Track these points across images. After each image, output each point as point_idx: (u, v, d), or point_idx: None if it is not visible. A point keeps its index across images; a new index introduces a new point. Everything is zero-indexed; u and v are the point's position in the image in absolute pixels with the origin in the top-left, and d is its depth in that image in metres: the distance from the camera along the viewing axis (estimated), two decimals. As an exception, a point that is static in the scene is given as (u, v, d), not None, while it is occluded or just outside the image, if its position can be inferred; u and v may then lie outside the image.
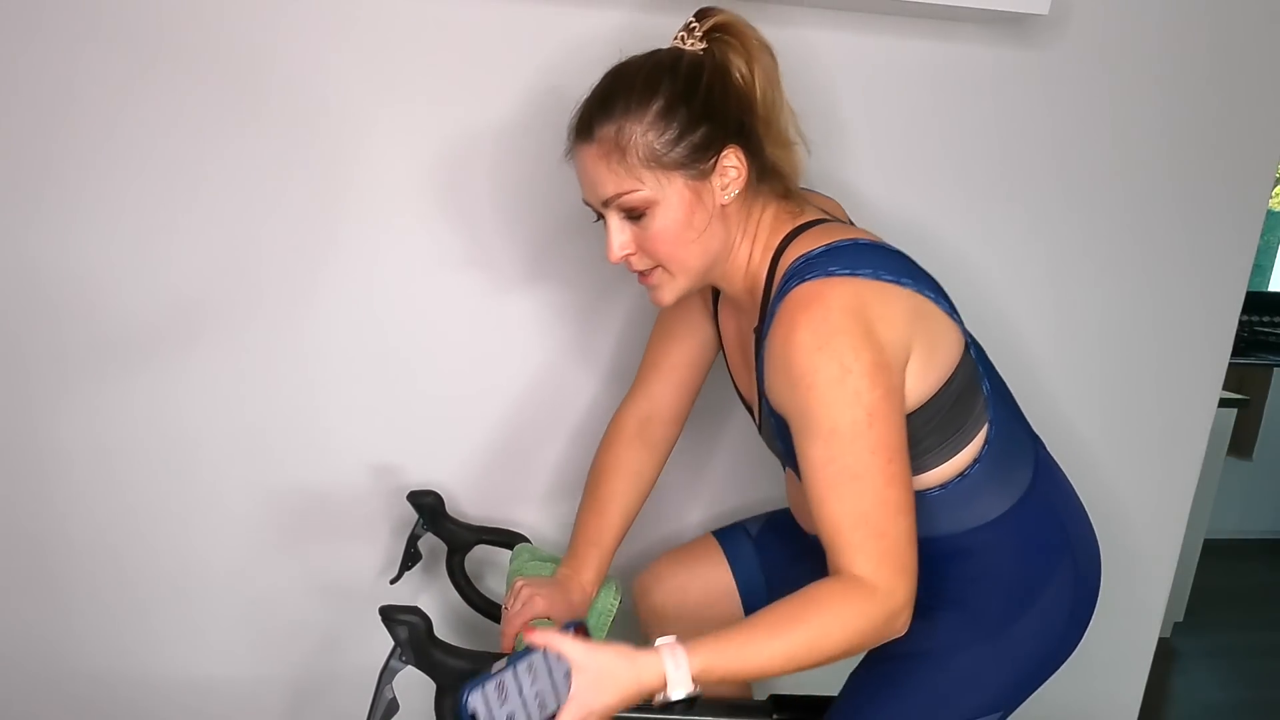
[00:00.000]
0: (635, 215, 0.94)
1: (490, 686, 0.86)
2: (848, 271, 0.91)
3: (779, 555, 1.25)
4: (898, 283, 0.93)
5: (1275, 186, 1.95)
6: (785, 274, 0.94)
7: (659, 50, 0.96)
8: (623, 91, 0.93)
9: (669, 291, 1.00)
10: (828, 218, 1.02)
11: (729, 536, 1.29)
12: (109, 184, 1.27)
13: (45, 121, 1.24)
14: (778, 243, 0.98)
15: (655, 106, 0.91)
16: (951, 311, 0.99)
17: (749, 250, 1.00)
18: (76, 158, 1.26)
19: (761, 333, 0.97)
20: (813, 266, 0.92)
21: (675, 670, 0.84)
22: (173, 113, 1.25)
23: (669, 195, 0.93)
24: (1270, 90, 1.38)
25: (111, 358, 1.33)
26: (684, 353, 1.18)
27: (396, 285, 1.34)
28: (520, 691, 0.86)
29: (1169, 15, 1.34)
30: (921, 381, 0.94)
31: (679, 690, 0.84)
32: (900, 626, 0.91)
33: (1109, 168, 1.39)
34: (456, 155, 1.30)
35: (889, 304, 0.91)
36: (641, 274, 1.00)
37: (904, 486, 0.89)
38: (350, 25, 1.24)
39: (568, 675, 0.85)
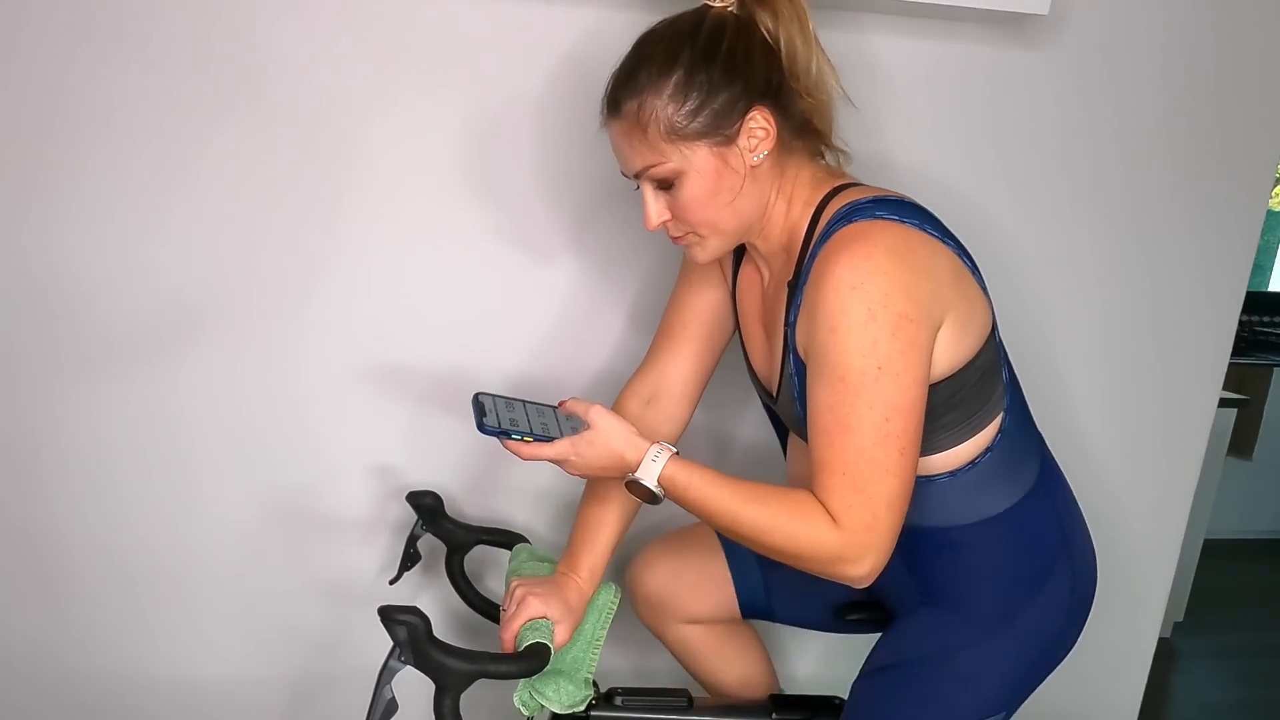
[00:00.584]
0: (666, 185, 0.95)
1: (502, 399, 1.02)
2: (896, 218, 0.91)
3: None
4: (943, 240, 0.94)
5: (1275, 186, 1.95)
6: (830, 219, 0.94)
7: (684, 13, 0.95)
8: (644, 64, 0.93)
9: (703, 252, 1.01)
10: (864, 182, 1.02)
11: None
12: (104, 183, 1.27)
13: (40, 120, 1.24)
14: (819, 198, 0.98)
15: (675, 77, 0.91)
16: (984, 288, 0.99)
17: (786, 207, 1.00)
18: (71, 156, 1.25)
19: (796, 283, 0.97)
20: (860, 211, 0.92)
21: (651, 464, 0.95)
22: (168, 109, 1.25)
23: (694, 164, 0.93)
24: (1270, 90, 1.38)
25: (108, 358, 1.33)
26: (699, 325, 1.16)
27: (395, 285, 1.34)
28: (527, 414, 1.01)
29: (1169, 15, 1.33)
30: (953, 351, 0.93)
31: (645, 481, 0.95)
32: (856, 577, 0.90)
33: (1109, 168, 1.39)
34: (452, 156, 1.30)
35: (934, 255, 0.92)
36: (675, 237, 1.01)
37: (898, 448, 0.87)
38: (348, 20, 1.24)
39: (575, 430, 0.98)
